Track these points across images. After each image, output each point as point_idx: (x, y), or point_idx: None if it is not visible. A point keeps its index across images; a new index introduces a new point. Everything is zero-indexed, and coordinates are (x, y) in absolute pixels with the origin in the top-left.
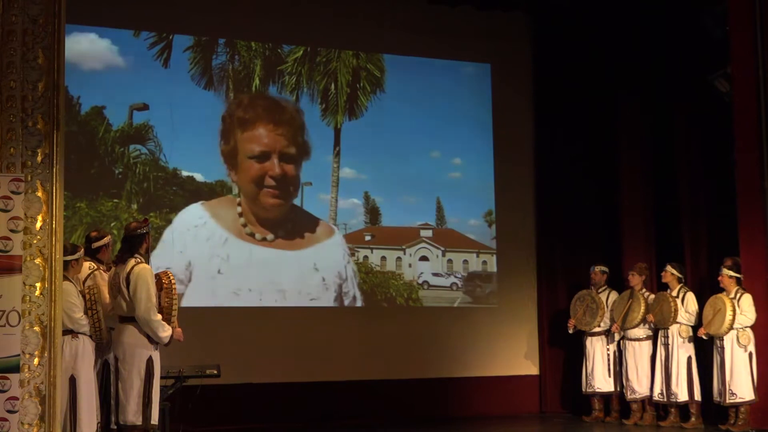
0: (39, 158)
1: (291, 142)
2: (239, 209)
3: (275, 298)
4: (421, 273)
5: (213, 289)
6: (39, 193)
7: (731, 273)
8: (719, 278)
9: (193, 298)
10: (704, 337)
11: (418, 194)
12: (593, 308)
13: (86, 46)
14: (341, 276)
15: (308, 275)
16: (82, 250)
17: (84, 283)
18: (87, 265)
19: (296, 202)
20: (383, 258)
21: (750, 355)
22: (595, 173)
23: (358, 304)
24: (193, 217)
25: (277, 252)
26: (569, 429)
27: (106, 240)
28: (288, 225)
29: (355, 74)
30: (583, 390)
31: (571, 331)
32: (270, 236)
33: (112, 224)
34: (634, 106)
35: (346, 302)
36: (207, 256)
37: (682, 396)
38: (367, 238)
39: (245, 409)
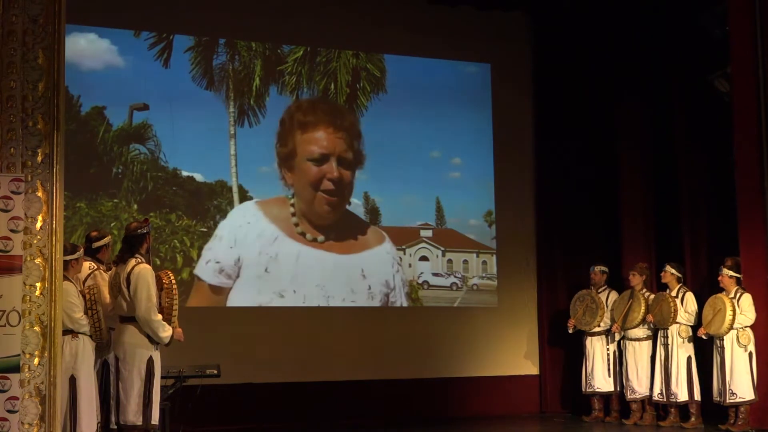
0: (39, 158)
1: (349, 148)
2: (292, 209)
3: (319, 302)
4: (421, 273)
5: (259, 287)
6: (39, 193)
7: (731, 273)
8: (719, 278)
9: (239, 296)
10: (704, 337)
11: (418, 194)
12: (593, 308)
13: (86, 46)
14: (389, 285)
15: (355, 281)
16: (82, 249)
17: (84, 283)
18: (87, 265)
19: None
20: None
21: (750, 354)
22: (595, 173)
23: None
24: (246, 214)
25: (325, 254)
26: (569, 429)
27: (106, 240)
28: (339, 228)
29: (355, 74)
30: (583, 390)
31: (571, 331)
32: (321, 237)
33: (112, 224)
34: (634, 106)
35: None
36: (256, 253)
37: (682, 396)
38: None
39: (245, 409)
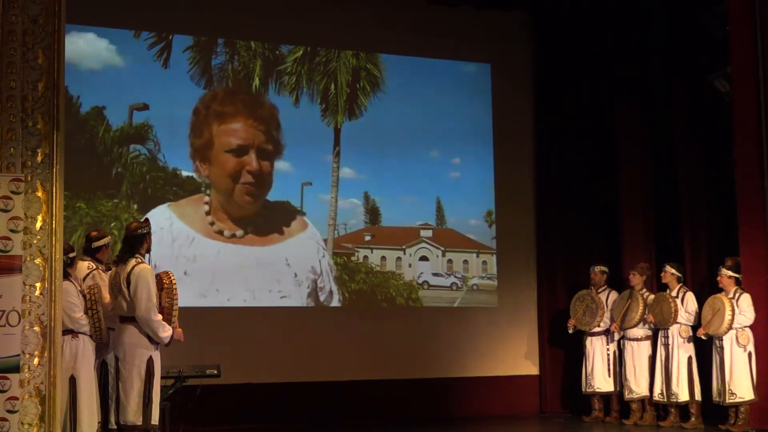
0: (39, 158)
1: (268, 139)
2: (206, 207)
3: (244, 297)
4: (421, 273)
5: (180, 290)
6: (39, 193)
7: (730, 273)
8: (718, 278)
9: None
10: (703, 338)
11: (418, 194)
12: (593, 308)
13: (85, 46)
14: (315, 271)
15: (280, 271)
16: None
17: (84, 282)
18: (86, 265)
19: (296, 202)
20: (383, 258)
21: (749, 354)
22: (595, 173)
23: (335, 300)
24: (158, 219)
25: (247, 249)
26: (569, 429)
27: (106, 240)
28: (259, 220)
29: (355, 74)
30: (583, 390)
31: (571, 331)
32: (239, 232)
33: (112, 224)
34: (634, 106)
35: (322, 298)
36: (173, 258)
37: (683, 396)
38: (367, 238)
39: (245, 409)
